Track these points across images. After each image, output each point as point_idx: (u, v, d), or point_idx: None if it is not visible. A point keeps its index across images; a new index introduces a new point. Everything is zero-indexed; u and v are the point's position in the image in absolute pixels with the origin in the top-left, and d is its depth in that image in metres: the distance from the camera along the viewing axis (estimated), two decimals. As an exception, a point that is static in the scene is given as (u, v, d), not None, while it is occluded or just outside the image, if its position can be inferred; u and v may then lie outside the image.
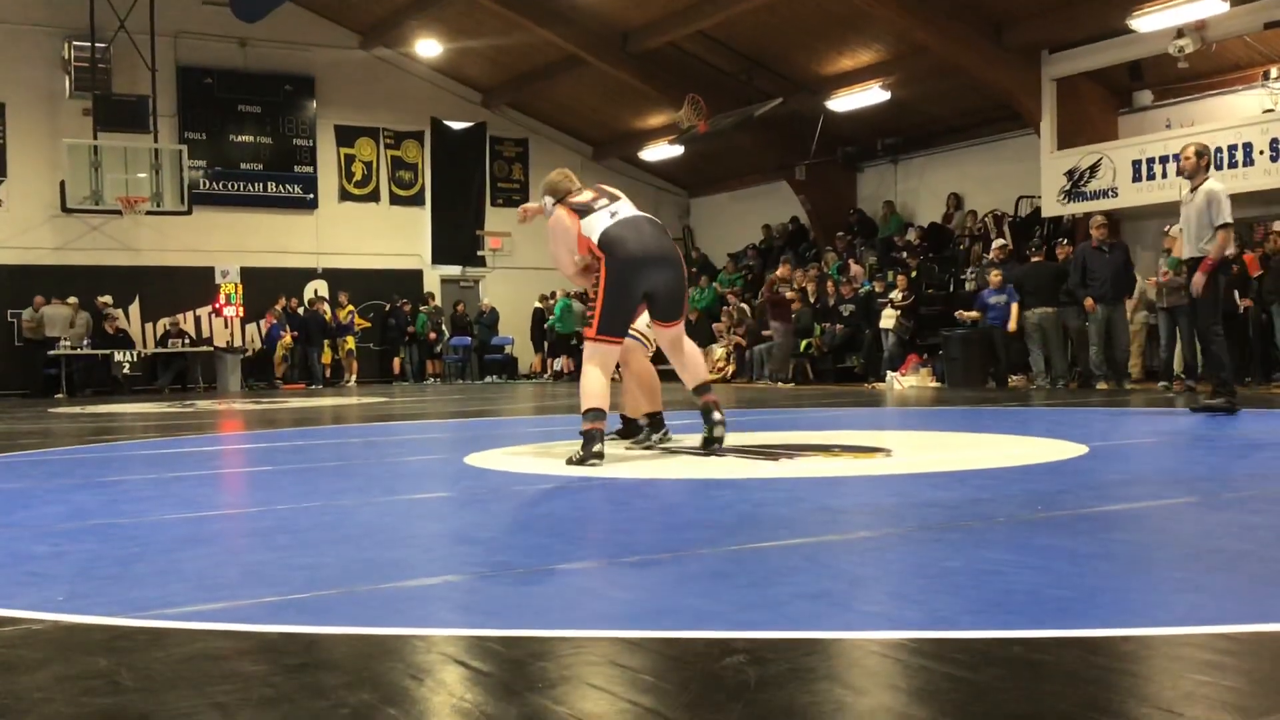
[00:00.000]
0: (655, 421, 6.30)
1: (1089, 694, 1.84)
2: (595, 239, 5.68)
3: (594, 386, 5.58)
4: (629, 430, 6.44)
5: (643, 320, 6.16)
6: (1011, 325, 14.02)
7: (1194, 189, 8.24)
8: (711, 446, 5.78)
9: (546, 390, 17.66)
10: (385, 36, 22.02)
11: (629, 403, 6.42)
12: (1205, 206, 8.08)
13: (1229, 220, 8.04)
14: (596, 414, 5.50)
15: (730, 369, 18.48)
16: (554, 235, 5.89)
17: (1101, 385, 12.93)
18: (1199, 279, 8.03)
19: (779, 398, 12.76)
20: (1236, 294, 12.67)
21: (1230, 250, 8.19)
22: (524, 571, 2.95)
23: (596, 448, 5.42)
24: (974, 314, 14.65)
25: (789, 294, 17.25)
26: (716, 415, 5.78)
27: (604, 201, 5.85)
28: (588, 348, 5.76)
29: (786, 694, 1.87)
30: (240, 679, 2.03)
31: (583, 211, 5.80)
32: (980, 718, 1.74)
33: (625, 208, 5.84)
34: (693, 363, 5.96)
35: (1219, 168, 13.94)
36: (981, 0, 15.34)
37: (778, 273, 17.79)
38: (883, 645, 2.17)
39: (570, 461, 5.42)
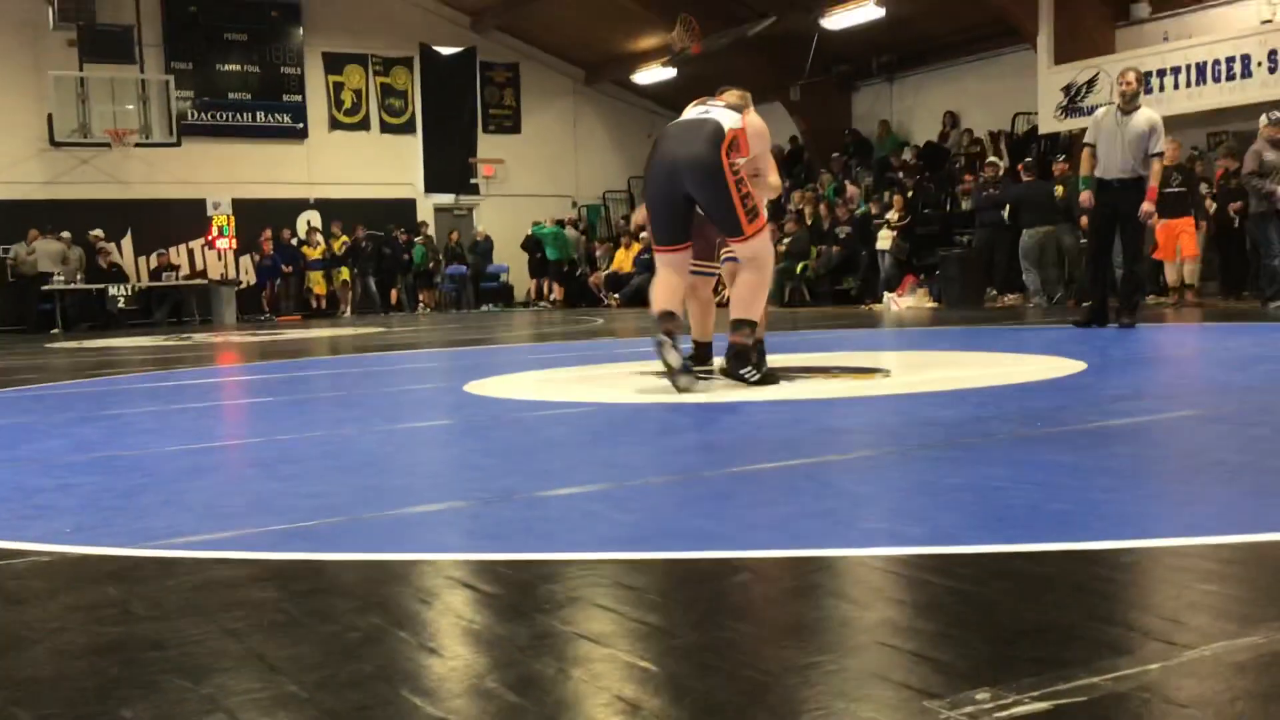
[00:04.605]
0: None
1: (1092, 605, 1.85)
2: None
3: (655, 292, 5.42)
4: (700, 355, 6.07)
5: None
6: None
7: (1129, 111, 8.49)
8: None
9: (543, 318, 17.64)
10: (370, -41, 21.65)
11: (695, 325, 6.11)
12: (1147, 132, 8.37)
13: (1164, 149, 8.52)
14: (663, 316, 5.24)
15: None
16: None
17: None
18: (1151, 208, 8.38)
19: (775, 321, 12.74)
20: (1231, 208, 12.67)
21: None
22: (528, 496, 2.97)
23: (671, 357, 5.14)
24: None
25: None
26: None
27: (694, 106, 5.61)
28: None
29: (793, 610, 1.89)
30: (250, 605, 2.04)
31: None
32: (985, 630, 1.75)
33: (693, 112, 5.50)
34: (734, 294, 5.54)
35: (1217, 80, 13.84)
36: (978, -88, 15.11)
37: None
38: (886, 561, 2.18)
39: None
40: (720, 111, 5.43)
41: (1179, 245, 12.35)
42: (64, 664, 1.77)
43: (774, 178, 5.84)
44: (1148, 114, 8.48)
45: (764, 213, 5.45)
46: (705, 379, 5.57)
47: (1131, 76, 8.61)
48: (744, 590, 2.07)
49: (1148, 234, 8.77)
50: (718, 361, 5.69)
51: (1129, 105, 8.50)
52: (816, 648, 1.69)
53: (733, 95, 5.71)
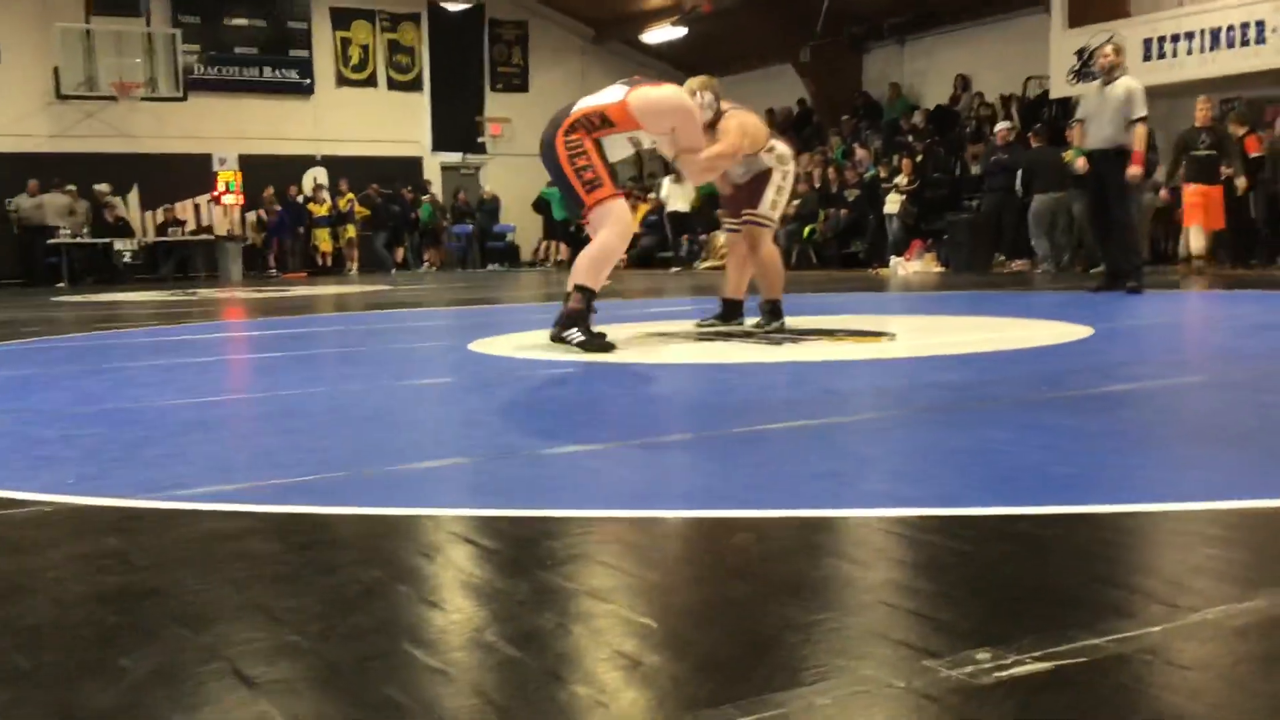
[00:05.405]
0: (774, 310, 6.24)
1: (1095, 568, 1.85)
2: None
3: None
4: (729, 312, 6.40)
5: (766, 201, 6.08)
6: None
7: (1109, 82, 8.65)
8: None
9: (550, 277, 17.59)
10: (378, -88, 21.40)
11: (730, 283, 6.39)
12: (1124, 100, 8.49)
13: (1146, 114, 8.54)
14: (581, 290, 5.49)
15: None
16: None
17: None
18: (1138, 171, 8.49)
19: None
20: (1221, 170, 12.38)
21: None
22: (530, 453, 2.96)
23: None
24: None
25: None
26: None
27: None
28: None
29: (794, 569, 1.89)
30: (251, 557, 2.04)
31: None
32: (987, 591, 1.75)
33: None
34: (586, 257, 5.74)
35: (1230, 46, 13.71)
36: None
37: None
38: (889, 522, 2.18)
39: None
40: (600, 93, 5.59)
41: (1204, 214, 11.93)
42: (64, 612, 1.77)
43: (719, 145, 5.75)
44: (1126, 82, 8.59)
45: (609, 184, 5.44)
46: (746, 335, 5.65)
47: (1109, 49, 8.77)
48: (746, 549, 2.06)
49: (1142, 200, 8.92)
50: (749, 321, 5.75)
51: (1109, 77, 8.64)
52: (817, 606, 1.69)
53: (694, 81, 5.92)
